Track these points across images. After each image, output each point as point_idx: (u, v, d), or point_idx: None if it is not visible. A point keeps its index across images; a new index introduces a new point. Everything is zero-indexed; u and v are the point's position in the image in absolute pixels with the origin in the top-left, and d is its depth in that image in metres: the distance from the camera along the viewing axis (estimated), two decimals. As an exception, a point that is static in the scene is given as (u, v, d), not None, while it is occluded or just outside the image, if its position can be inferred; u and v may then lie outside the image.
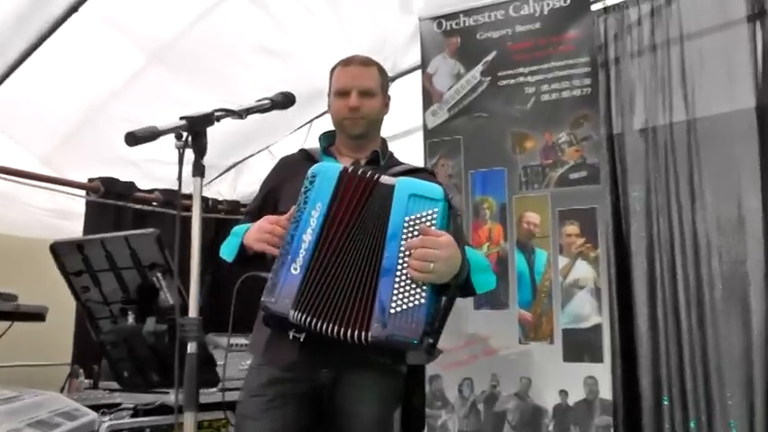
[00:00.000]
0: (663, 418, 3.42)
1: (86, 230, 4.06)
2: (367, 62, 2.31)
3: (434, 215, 1.86)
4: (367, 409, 2.12)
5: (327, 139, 2.38)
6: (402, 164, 2.36)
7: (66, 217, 4.22)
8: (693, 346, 3.38)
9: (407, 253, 1.83)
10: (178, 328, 1.51)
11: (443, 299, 1.88)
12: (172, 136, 1.57)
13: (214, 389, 1.97)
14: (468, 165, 3.68)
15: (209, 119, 1.64)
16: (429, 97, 3.82)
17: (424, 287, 1.81)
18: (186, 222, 1.59)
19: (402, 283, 1.81)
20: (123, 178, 4.40)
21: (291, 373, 2.09)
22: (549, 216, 3.47)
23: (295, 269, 1.86)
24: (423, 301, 1.80)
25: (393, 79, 4.36)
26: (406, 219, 1.86)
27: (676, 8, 3.58)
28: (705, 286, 3.39)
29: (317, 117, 4.47)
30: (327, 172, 1.97)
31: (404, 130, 4.32)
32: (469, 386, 3.49)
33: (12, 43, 3.29)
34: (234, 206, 5.08)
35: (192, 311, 1.52)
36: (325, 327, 1.82)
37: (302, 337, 1.90)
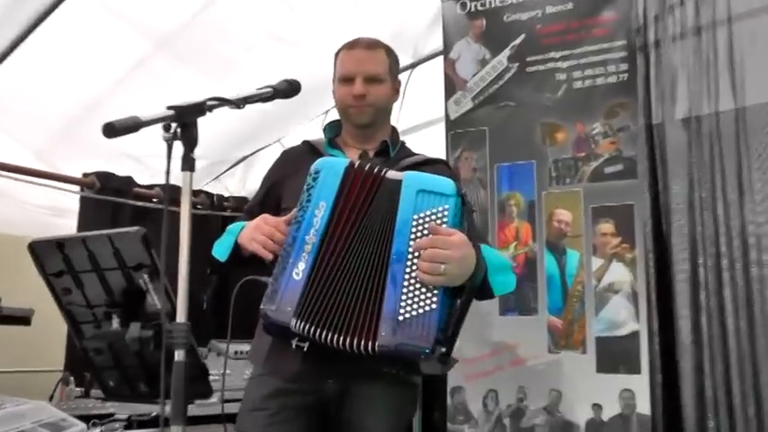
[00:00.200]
0: (707, 437, 3.37)
1: (81, 228, 4.09)
2: (373, 45, 2.29)
3: (445, 212, 1.84)
4: (376, 422, 2.10)
5: (333, 129, 2.36)
6: (415, 155, 2.33)
7: (62, 214, 4.27)
8: (742, 356, 3.33)
9: (416, 254, 1.80)
10: (164, 335, 1.49)
11: (458, 303, 1.84)
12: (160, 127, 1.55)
13: (207, 400, 1.95)
14: (494, 158, 3.65)
15: (200, 108, 1.63)
16: (452, 85, 3.80)
17: (436, 291, 1.79)
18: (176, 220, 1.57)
19: (411, 288, 1.79)
20: (122, 173, 4.44)
21: (295, 385, 2.07)
22: (581, 214, 3.43)
23: (297, 274, 1.85)
24: (434, 306, 1.78)
25: (414, 66, 4.36)
26: (415, 217, 1.84)
27: (724, -14, 3.53)
28: (755, 290, 3.34)
29: (333, 107, 4.47)
30: (332, 167, 1.95)
31: (424, 121, 4.31)
32: (494, 399, 3.46)
33: (1, 29, 3.31)
34: (241, 203, 5.09)
35: (181, 316, 1.50)
36: (329, 336, 1.81)
37: (306, 346, 1.88)
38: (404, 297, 1.79)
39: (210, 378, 2.67)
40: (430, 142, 3.82)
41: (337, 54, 2.32)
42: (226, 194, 5.12)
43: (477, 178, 3.65)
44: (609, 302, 3.33)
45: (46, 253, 1.79)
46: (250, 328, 2.21)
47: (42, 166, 4.16)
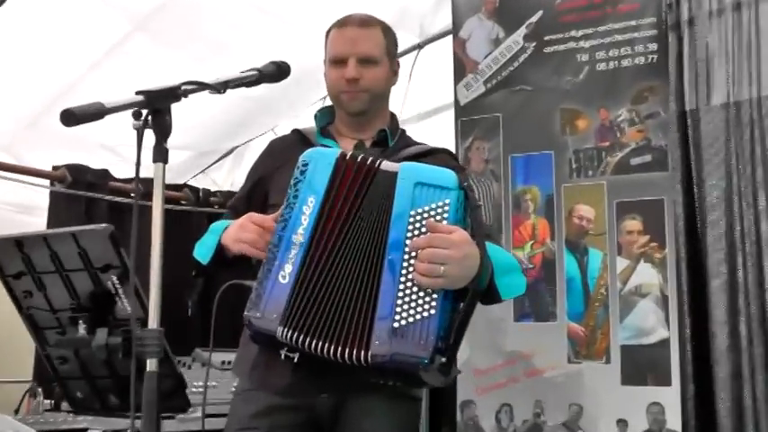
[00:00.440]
0: (746, 456, 3.37)
1: (50, 226, 4.07)
2: (367, 22, 2.27)
3: (446, 207, 1.83)
4: (376, 440, 2.11)
5: (325, 116, 2.35)
6: (417, 144, 2.33)
7: (30, 211, 4.27)
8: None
9: (413, 254, 1.80)
10: (134, 342, 1.50)
11: (460, 307, 1.84)
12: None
13: (189, 415, 1.97)
14: (509, 148, 3.65)
15: (173, 94, 1.62)
16: (462, 67, 3.80)
17: (435, 295, 1.78)
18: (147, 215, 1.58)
19: (408, 291, 1.78)
20: (97, 165, 4.44)
21: (286, 400, 2.07)
22: (605, 209, 3.44)
23: (283, 277, 1.85)
24: (433, 311, 1.77)
25: (420, 46, 4.36)
26: (412, 213, 1.83)
27: (767, -44, 3.53)
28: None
29: (329, 93, 4.49)
30: (322, 159, 1.94)
31: (432, 107, 4.31)
32: (508, 414, 3.47)
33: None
34: (230, 198, 5.07)
35: (153, 322, 1.51)
36: (318, 346, 1.80)
37: (296, 356, 1.89)
38: (399, 302, 1.78)
39: (193, 390, 2.69)
40: (438, 130, 3.83)
41: (327, 33, 2.31)
42: (213, 189, 5.13)
43: (490, 170, 3.66)
44: (635, 307, 3.34)
45: (4, 252, 1.79)
46: (238, 335, 2.22)
47: (8, 158, 4.17)
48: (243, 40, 4.02)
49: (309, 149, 1.99)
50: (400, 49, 2.42)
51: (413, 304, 1.78)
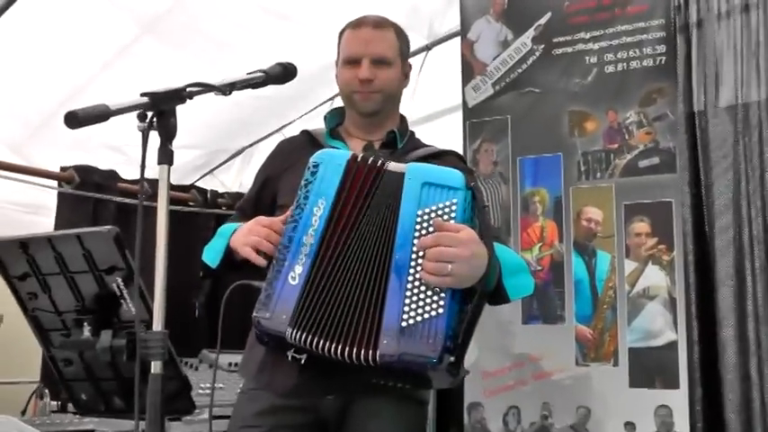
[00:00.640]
0: (755, 458, 3.37)
1: (58, 226, 4.10)
2: (381, 24, 2.29)
3: (453, 207, 1.84)
4: (382, 443, 2.11)
5: (335, 117, 2.37)
6: (426, 146, 2.34)
7: (38, 212, 4.29)
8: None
9: (421, 253, 1.81)
10: (138, 344, 1.50)
11: (468, 308, 1.84)
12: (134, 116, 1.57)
13: (195, 417, 1.97)
14: (517, 150, 3.65)
15: (179, 95, 1.64)
16: (470, 69, 3.80)
17: (443, 294, 1.79)
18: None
19: (416, 291, 1.80)
20: (105, 166, 4.45)
21: (292, 401, 2.08)
22: (613, 212, 3.43)
23: (293, 278, 1.86)
24: (441, 311, 1.78)
25: (428, 48, 4.36)
26: (419, 213, 1.84)
27: (777, -43, 3.52)
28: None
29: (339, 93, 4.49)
30: (332, 160, 1.96)
31: (440, 109, 4.31)
32: (516, 417, 3.47)
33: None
34: (238, 200, 5.06)
35: (157, 324, 1.51)
36: (326, 346, 1.81)
37: (303, 358, 1.89)
38: (407, 301, 1.79)
39: (200, 392, 2.70)
40: (446, 132, 3.82)
41: (341, 34, 2.33)
42: (221, 190, 5.13)
43: (498, 172, 3.66)
44: (643, 310, 3.32)
45: (9, 254, 1.80)
46: (245, 337, 2.22)
47: (17, 159, 4.18)
48: (250, 42, 4.03)
49: (320, 151, 2.01)
50: (408, 50, 2.42)
51: (421, 303, 1.79)
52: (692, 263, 3.57)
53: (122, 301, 1.71)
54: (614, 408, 3.29)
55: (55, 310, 1.82)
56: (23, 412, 3.32)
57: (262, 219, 2.04)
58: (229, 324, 2.09)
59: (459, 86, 3.82)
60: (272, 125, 4.88)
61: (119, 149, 4.36)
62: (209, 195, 4.98)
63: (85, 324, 1.71)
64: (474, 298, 1.84)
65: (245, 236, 2.01)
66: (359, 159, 1.95)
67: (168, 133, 1.60)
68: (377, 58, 2.24)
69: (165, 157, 1.59)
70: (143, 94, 1.59)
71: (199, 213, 4.88)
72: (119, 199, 4.45)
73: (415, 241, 1.82)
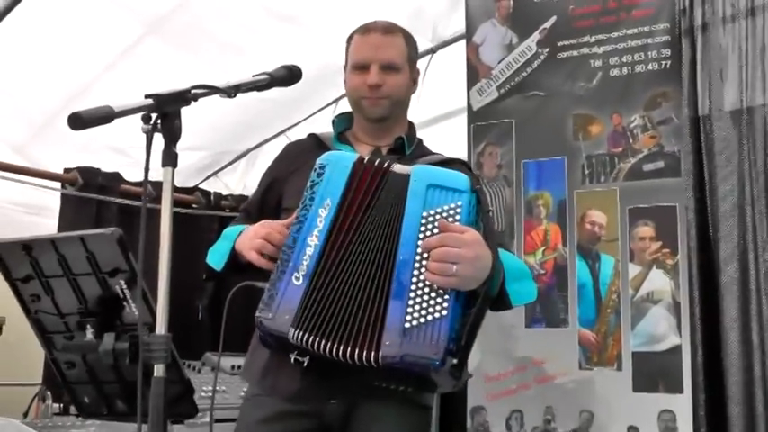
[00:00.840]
0: (758, 464, 3.35)
1: (61, 228, 4.12)
2: (391, 29, 2.29)
3: (458, 209, 1.84)
4: (385, 448, 2.10)
5: (343, 122, 2.37)
6: (433, 153, 2.34)
7: (41, 213, 4.30)
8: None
9: (425, 254, 1.81)
10: (141, 347, 1.50)
11: (471, 310, 1.84)
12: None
13: (198, 420, 1.96)
14: (521, 153, 3.65)
15: (183, 97, 1.64)
16: (475, 72, 3.81)
17: (447, 296, 1.79)
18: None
19: (420, 292, 1.80)
20: (108, 168, 4.46)
21: (295, 406, 2.07)
22: (617, 215, 3.43)
23: (297, 279, 1.86)
24: (444, 312, 1.78)
25: (433, 51, 4.36)
26: (424, 214, 1.85)
27: (782, -39, 3.51)
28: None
29: (343, 96, 4.49)
30: (339, 162, 1.96)
31: (444, 112, 4.31)
32: (519, 421, 3.46)
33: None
34: (241, 203, 5.08)
35: (160, 327, 1.51)
36: (328, 346, 1.81)
37: (306, 360, 1.89)
38: (411, 302, 1.79)
39: (202, 395, 2.69)
40: (450, 135, 3.83)
41: (350, 39, 2.33)
42: (225, 192, 5.13)
43: (503, 175, 3.66)
44: (647, 314, 3.32)
45: (11, 256, 1.80)
46: (248, 339, 2.22)
47: (21, 160, 4.19)
48: (254, 43, 4.05)
49: (326, 153, 2.02)
50: (413, 53, 2.42)
51: (424, 305, 1.79)
52: (697, 267, 3.56)
53: (125, 303, 1.71)
54: (618, 412, 3.29)
55: (58, 313, 1.82)
56: (25, 414, 3.33)
57: (267, 222, 2.04)
58: (232, 326, 2.08)
59: (463, 89, 3.82)
60: (276, 127, 4.89)
61: (123, 151, 4.37)
62: (212, 198, 4.98)
63: (88, 326, 1.71)
64: (477, 301, 1.84)
65: (251, 239, 2.01)
66: (365, 161, 1.95)
67: (172, 135, 1.60)
68: (386, 64, 2.24)
69: (169, 159, 1.59)
70: (147, 96, 1.59)
71: (202, 215, 4.88)
72: (122, 201, 4.46)
73: (420, 242, 1.83)
